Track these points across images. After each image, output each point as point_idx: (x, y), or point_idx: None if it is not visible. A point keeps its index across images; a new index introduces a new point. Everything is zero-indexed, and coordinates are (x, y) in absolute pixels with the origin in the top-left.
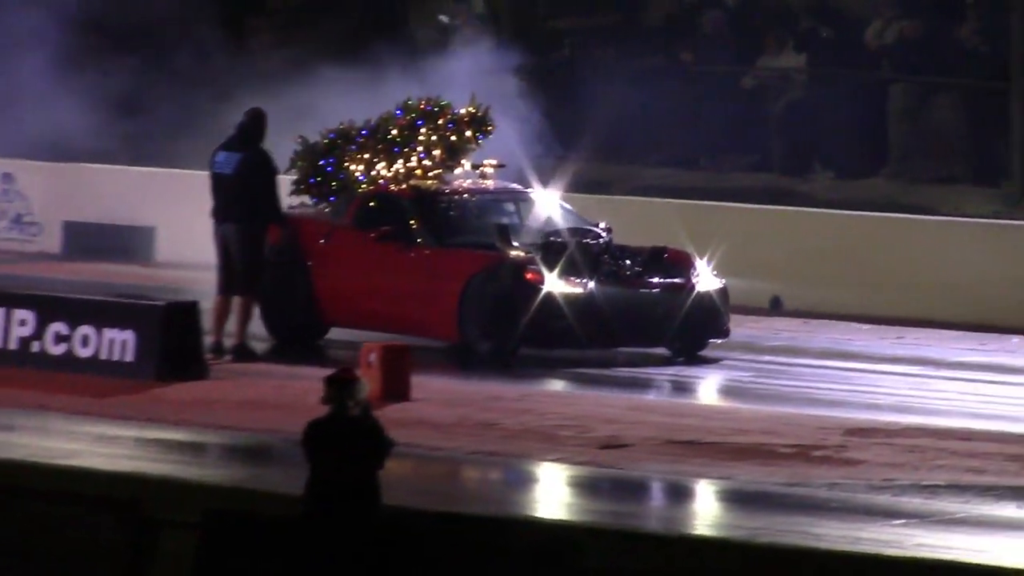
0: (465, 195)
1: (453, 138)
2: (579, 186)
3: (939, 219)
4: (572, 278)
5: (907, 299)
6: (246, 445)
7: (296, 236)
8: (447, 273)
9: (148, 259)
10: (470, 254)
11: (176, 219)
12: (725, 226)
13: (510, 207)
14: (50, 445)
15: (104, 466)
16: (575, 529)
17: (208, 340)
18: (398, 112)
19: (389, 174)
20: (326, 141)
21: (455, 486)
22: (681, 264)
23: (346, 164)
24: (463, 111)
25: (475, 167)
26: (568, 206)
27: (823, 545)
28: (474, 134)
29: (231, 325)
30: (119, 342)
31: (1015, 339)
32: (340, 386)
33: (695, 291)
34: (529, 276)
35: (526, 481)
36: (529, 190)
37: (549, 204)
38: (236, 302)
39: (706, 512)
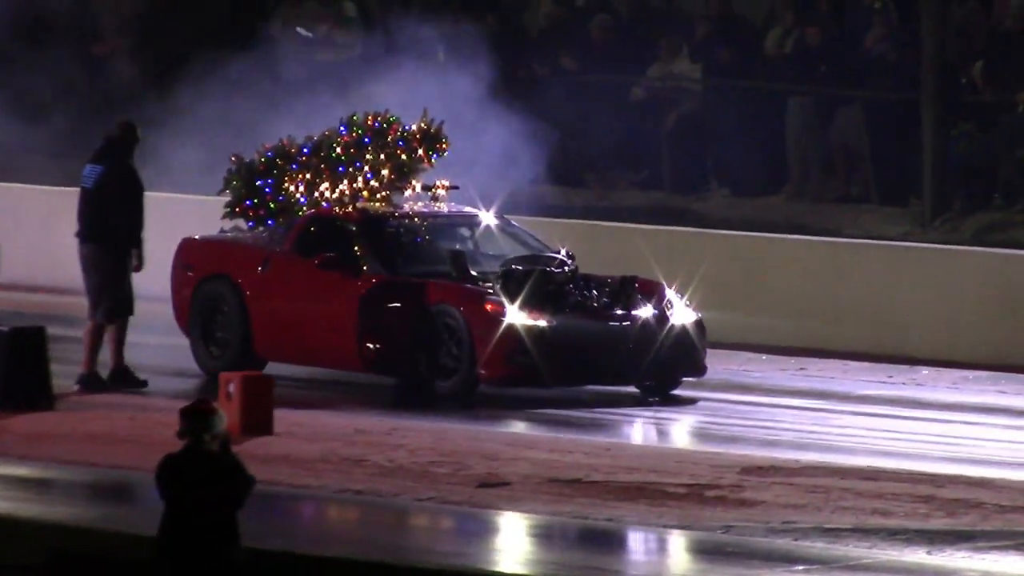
0: (416, 219)
1: (403, 157)
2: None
3: (844, 241)
4: (535, 310)
5: (809, 327)
6: (96, 482)
7: (229, 264)
8: (398, 305)
9: None
10: (423, 284)
11: (20, 237)
12: (611, 248)
13: (465, 232)
14: None
15: None
16: (444, 574)
17: (78, 371)
18: (342, 128)
19: (333, 196)
20: (263, 159)
21: (320, 527)
22: (653, 294)
23: (286, 185)
24: (414, 127)
25: (426, 189)
26: (528, 231)
27: None
28: (427, 152)
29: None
30: None
31: (924, 370)
32: (196, 419)
33: (669, 324)
34: (488, 307)
35: (396, 522)
36: (480, 213)
37: (507, 229)
38: (87, 327)
39: (588, 557)
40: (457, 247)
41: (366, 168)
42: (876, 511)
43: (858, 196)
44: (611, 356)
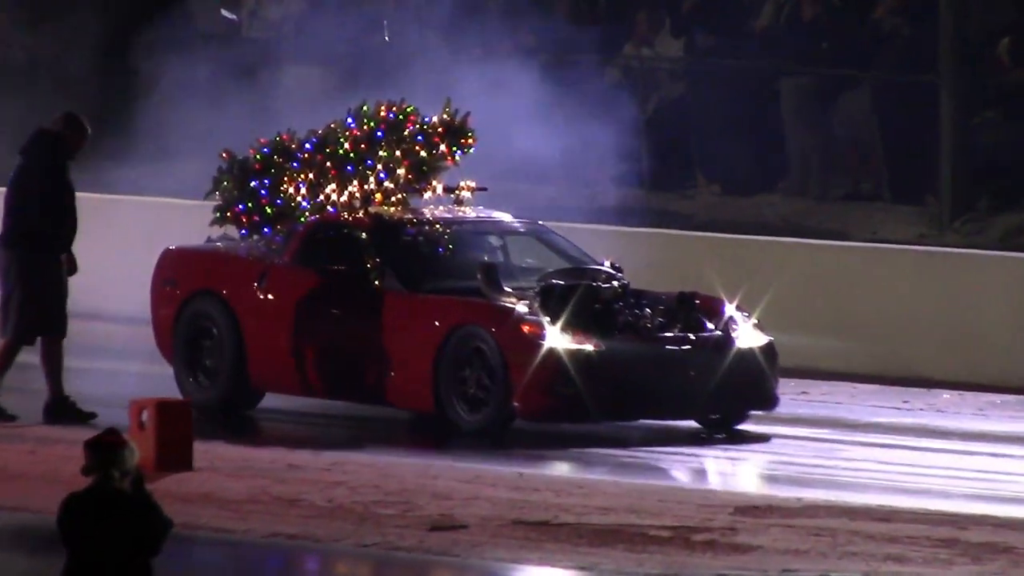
0: (438, 226)
1: (423, 153)
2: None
3: (851, 245)
4: (580, 332)
5: (812, 345)
6: None
7: (218, 279)
8: (418, 325)
9: None
10: (448, 301)
11: None
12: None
13: (495, 241)
14: None
15: None
16: None
17: None
18: (350, 121)
19: (340, 199)
20: (259, 157)
21: None
22: (716, 313)
23: (284, 186)
24: (435, 119)
25: (449, 191)
26: (567, 239)
27: None
28: (450, 148)
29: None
30: None
31: (945, 394)
32: (104, 453)
33: (735, 348)
34: (525, 329)
35: (335, 572)
36: (519, 221)
37: (543, 236)
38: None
39: None
40: (486, 258)
41: (379, 166)
42: (890, 557)
43: (867, 194)
44: (668, 386)
